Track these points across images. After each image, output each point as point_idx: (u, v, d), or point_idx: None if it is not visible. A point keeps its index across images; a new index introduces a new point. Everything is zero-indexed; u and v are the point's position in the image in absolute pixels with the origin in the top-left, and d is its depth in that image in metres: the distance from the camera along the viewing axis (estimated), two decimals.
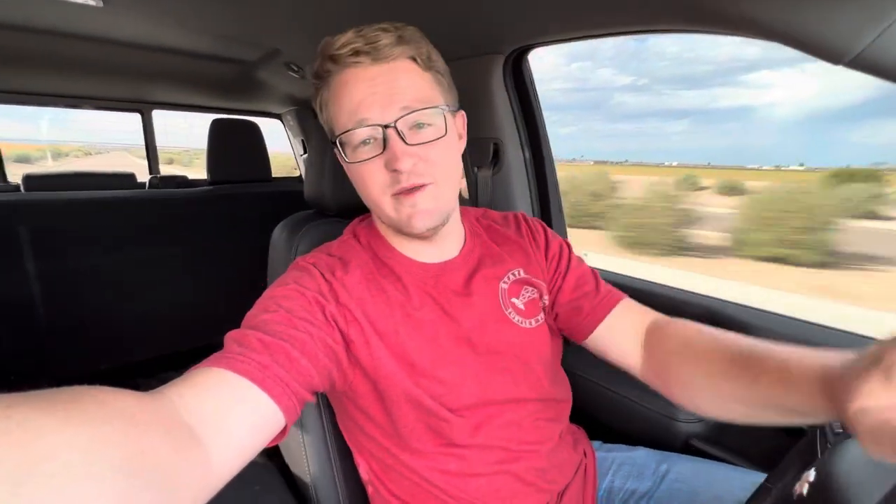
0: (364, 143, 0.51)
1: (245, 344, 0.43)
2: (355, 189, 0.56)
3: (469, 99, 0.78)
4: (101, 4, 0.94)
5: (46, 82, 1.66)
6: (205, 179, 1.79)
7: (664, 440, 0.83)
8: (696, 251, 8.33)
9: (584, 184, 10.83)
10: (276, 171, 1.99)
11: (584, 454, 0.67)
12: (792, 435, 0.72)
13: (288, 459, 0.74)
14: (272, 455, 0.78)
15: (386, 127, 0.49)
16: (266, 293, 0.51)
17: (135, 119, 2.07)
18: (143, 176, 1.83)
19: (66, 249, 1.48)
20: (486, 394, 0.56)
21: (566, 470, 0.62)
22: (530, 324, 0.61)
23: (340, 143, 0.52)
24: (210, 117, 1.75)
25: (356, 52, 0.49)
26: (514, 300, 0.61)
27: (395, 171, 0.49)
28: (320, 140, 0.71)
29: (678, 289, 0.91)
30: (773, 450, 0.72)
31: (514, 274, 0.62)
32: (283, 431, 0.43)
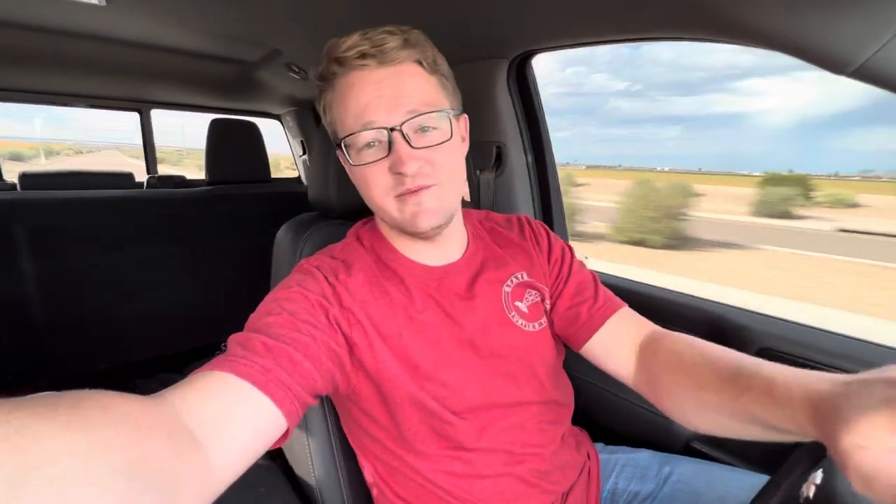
0: (369, 145, 0.51)
1: (248, 347, 0.43)
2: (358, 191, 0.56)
3: (473, 102, 0.79)
4: (103, 3, 0.94)
5: (47, 80, 1.66)
6: (202, 179, 1.79)
7: (665, 442, 0.83)
8: (580, 237, 10.91)
9: None
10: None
11: (588, 456, 0.67)
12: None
13: (292, 462, 0.74)
14: (276, 457, 0.77)
15: (392, 130, 0.49)
16: (269, 296, 0.51)
17: (127, 118, 2.06)
18: (138, 175, 1.82)
19: (63, 249, 1.46)
20: (489, 397, 0.56)
21: (569, 472, 0.62)
22: (533, 327, 0.61)
23: (345, 146, 0.52)
24: (206, 117, 1.74)
25: (363, 55, 0.49)
26: (517, 303, 0.61)
27: (399, 173, 0.49)
28: (323, 142, 0.71)
29: (680, 293, 0.91)
30: (772, 451, 0.73)
31: (517, 277, 0.62)
32: (286, 435, 0.43)
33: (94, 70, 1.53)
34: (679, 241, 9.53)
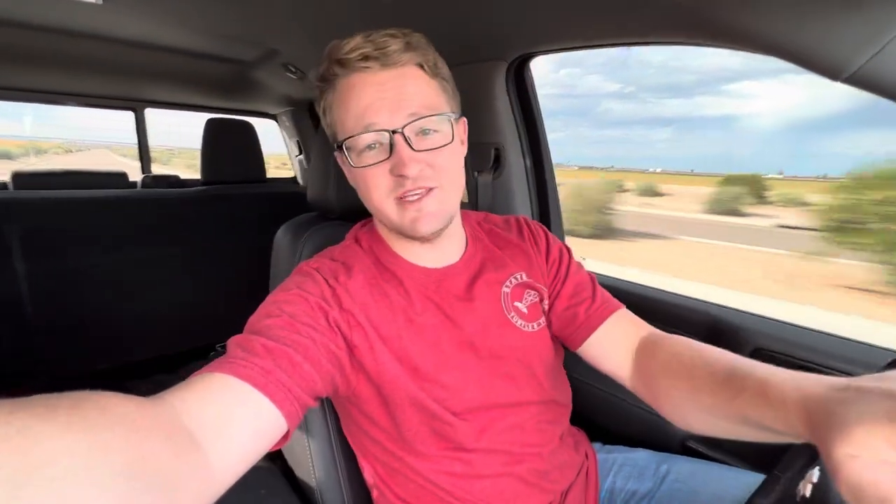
0: (370, 147, 0.51)
1: (248, 349, 0.43)
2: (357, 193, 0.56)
3: (471, 104, 0.79)
4: (100, 2, 0.93)
5: (43, 79, 1.64)
6: (197, 179, 1.77)
7: (662, 441, 0.84)
8: None
9: None
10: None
11: (586, 456, 0.68)
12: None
13: (292, 463, 0.74)
14: (276, 459, 0.77)
15: (393, 132, 0.49)
16: (269, 298, 0.51)
17: (118, 117, 2.04)
18: (132, 174, 1.81)
19: (62, 249, 1.45)
20: (489, 398, 0.57)
21: (568, 471, 0.63)
22: (532, 327, 0.61)
23: (345, 148, 0.52)
24: (199, 116, 1.74)
25: (365, 57, 0.49)
26: (516, 304, 0.61)
27: (401, 176, 0.50)
28: (323, 143, 0.71)
29: (679, 295, 0.92)
30: (768, 451, 0.74)
31: (516, 278, 0.62)
32: (286, 436, 0.43)
33: (91, 69, 1.52)
34: (603, 232, 10.68)
